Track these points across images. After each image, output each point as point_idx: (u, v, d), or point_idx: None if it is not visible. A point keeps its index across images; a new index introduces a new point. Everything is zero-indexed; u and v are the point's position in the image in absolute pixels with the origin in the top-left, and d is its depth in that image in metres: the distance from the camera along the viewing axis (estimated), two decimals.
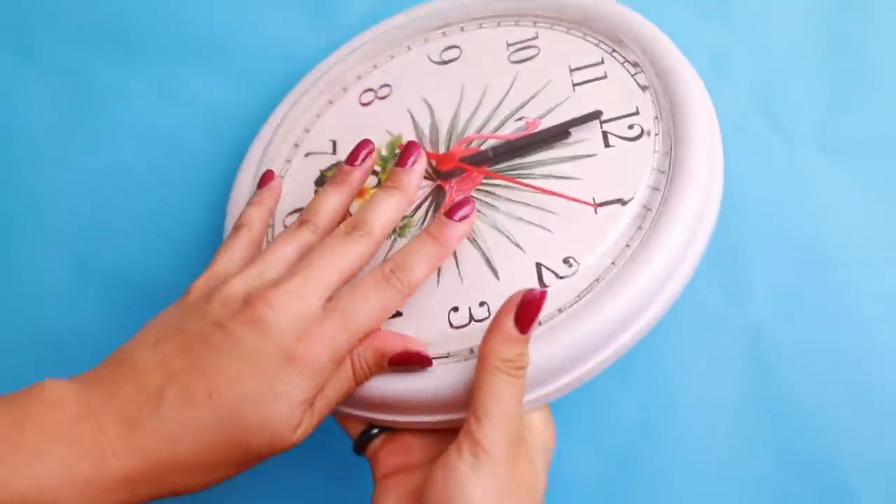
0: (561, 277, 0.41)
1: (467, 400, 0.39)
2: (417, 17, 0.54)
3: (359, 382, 0.39)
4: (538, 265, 0.42)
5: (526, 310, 0.36)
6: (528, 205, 0.44)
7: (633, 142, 0.44)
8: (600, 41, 0.49)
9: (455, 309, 0.42)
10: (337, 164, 0.49)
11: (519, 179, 0.44)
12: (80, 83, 0.60)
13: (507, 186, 0.45)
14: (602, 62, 0.48)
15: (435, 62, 0.52)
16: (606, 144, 0.44)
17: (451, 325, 0.41)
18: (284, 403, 0.36)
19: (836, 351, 0.48)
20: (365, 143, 0.44)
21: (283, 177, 0.51)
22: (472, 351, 0.40)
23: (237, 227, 0.43)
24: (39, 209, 0.57)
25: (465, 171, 0.46)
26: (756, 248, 0.50)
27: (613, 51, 0.48)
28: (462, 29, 0.53)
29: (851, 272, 0.49)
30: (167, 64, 0.60)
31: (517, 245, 0.42)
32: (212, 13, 0.61)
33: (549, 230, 0.42)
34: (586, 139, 0.45)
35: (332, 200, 0.42)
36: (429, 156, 0.47)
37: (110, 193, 0.56)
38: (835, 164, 0.51)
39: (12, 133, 0.59)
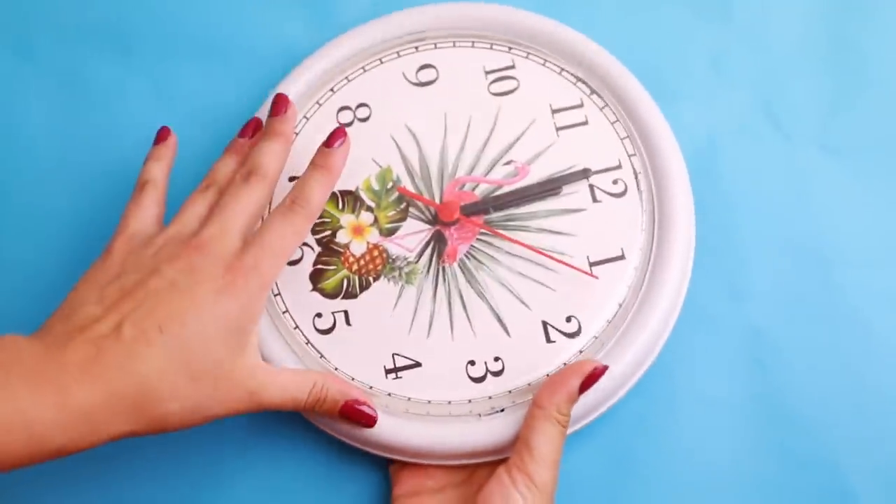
0: (567, 335, 0.47)
1: (487, 450, 0.46)
2: (386, 27, 0.54)
3: (308, 404, 0.44)
4: (544, 323, 0.47)
5: (591, 380, 0.44)
6: (528, 259, 0.49)
7: (619, 198, 0.49)
8: (577, 80, 0.52)
9: (472, 362, 0.47)
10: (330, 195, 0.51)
11: (517, 238, 0.49)
12: (78, 83, 0.58)
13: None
14: (582, 105, 0.51)
15: (412, 83, 0.53)
16: (594, 199, 0.49)
17: (469, 377, 0.47)
18: (223, 325, 0.41)
19: (835, 351, 0.50)
20: (254, 121, 0.51)
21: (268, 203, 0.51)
22: (492, 408, 0.46)
23: (142, 184, 0.48)
24: (37, 209, 0.56)
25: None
26: (756, 248, 0.52)
27: (592, 93, 0.51)
28: (435, 46, 0.54)
29: (851, 272, 0.51)
30: (166, 64, 0.58)
31: (523, 302, 0.48)
32: (210, 13, 0.59)
33: (550, 287, 0.48)
34: (575, 192, 0.50)
35: (229, 165, 0.48)
36: (428, 203, 0.50)
37: (109, 193, 0.56)
38: (835, 163, 0.53)
39: (10, 133, 0.57)
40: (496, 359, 0.47)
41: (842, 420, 0.49)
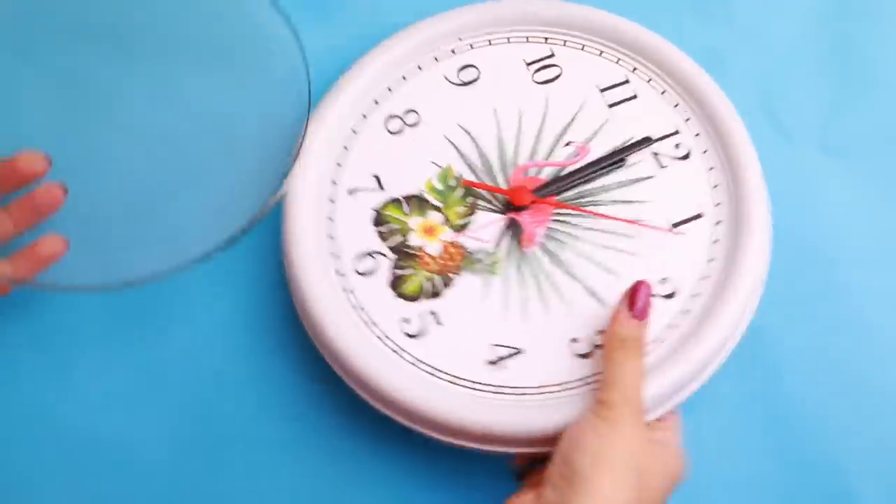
0: (664, 297, 0.46)
1: None
2: (421, 35, 0.54)
3: None
4: None
5: (634, 296, 0.43)
6: (605, 231, 0.48)
7: (684, 160, 0.50)
8: (619, 59, 0.53)
9: (574, 340, 0.46)
10: (394, 201, 0.50)
11: (593, 210, 0.49)
12: (78, 83, 0.56)
13: (577, 214, 0.49)
14: (628, 81, 0.52)
15: (455, 84, 0.53)
16: (660, 165, 0.50)
17: (575, 354, 0.46)
18: None
19: (837, 351, 0.50)
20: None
21: (332, 219, 0.50)
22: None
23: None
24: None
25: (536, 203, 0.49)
26: None
27: (634, 69, 0.52)
28: (471, 46, 0.54)
29: (853, 273, 0.52)
30: (166, 64, 0.56)
31: (612, 272, 0.47)
32: (211, 14, 0.57)
33: (634, 254, 0.48)
34: (639, 161, 0.50)
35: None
36: (497, 191, 0.50)
37: (108, 194, 0.53)
38: (836, 164, 0.54)
39: (10, 133, 0.54)
40: (599, 332, 0.46)
41: (843, 420, 0.49)
